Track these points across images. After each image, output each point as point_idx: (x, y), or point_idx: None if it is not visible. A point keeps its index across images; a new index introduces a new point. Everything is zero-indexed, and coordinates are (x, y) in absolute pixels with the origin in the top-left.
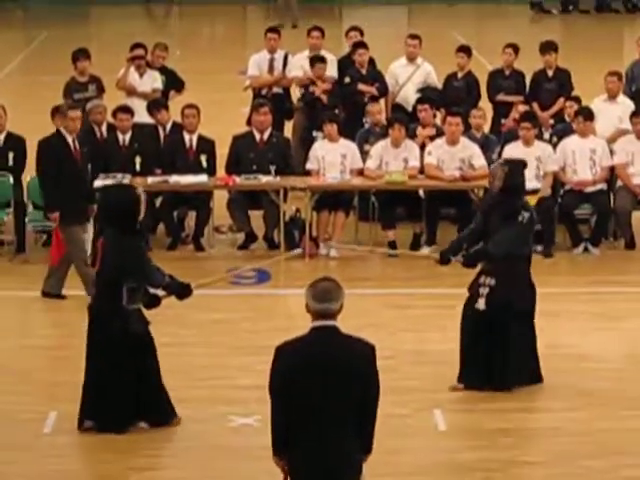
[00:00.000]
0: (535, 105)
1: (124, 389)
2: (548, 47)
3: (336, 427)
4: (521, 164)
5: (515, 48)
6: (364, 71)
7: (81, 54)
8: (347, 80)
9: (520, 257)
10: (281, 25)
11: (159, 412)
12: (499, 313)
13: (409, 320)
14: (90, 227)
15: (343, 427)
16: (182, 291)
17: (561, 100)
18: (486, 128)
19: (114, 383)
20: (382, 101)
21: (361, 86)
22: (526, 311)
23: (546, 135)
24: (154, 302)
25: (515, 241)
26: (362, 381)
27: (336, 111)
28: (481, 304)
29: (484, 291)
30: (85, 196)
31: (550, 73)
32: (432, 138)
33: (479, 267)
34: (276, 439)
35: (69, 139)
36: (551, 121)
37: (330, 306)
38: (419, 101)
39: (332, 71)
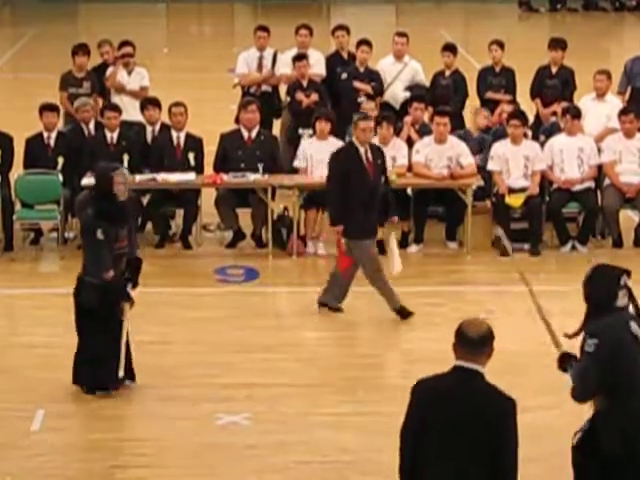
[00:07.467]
0: (538, 101)
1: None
2: (557, 44)
3: (459, 475)
4: None
5: (500, 44)
6: (362, 69)
7: (80, 49)
8: (344, 76)
9: None
10: None
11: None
12: None
13: (398, 318)
14: None
15: (466, 476)
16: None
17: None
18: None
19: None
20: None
21: (357, 83)
22: None
23: (542, 137)
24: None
25: None
26: (496, 436)
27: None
28: None
29: None
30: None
31: (554, 70)
32: (417, 131)
33: None
34: (402, 475)
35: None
36: (553, 118)
37: (480, 349)
38: (415, 99)
39: (320, 69)
